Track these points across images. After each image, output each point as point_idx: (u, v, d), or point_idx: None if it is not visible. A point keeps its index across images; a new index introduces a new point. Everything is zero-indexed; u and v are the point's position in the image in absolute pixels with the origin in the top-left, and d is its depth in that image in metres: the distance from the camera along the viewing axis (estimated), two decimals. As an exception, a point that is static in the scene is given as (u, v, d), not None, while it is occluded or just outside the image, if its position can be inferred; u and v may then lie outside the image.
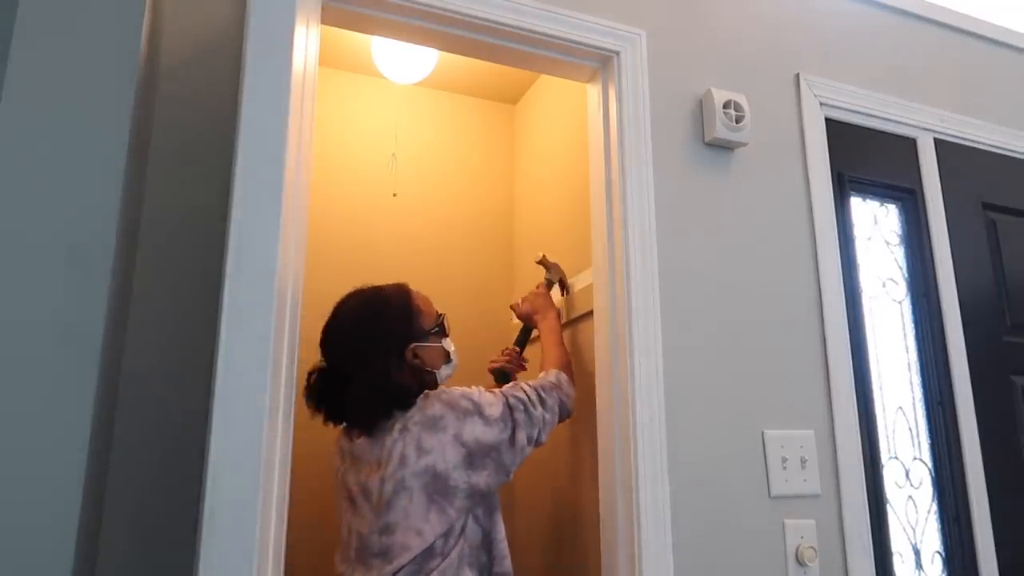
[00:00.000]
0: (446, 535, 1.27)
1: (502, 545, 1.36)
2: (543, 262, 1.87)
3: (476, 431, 1.31)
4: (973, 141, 1.92)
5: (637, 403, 1.33)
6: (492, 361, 1.76)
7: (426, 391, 1.37)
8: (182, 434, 1.06)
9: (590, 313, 1.56)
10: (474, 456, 1.30)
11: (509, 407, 1.37)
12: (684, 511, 1.33)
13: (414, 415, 1.31)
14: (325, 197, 2.15)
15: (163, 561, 1.03)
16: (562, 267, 1.84)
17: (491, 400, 1.37)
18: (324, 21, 1.31)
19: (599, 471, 1.42)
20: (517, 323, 1.84)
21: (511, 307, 1.82)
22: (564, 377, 1.51)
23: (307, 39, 1.05)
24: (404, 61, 2.11)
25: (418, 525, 1.25)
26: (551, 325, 1.67)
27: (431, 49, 1.83)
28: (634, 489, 1.30)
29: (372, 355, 1.35)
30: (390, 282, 1.47)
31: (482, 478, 1.30)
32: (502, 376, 1.72)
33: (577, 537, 1.71)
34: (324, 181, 2.16)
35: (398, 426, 1.31)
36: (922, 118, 1.84)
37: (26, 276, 0.85)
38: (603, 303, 1.46)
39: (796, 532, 1.40)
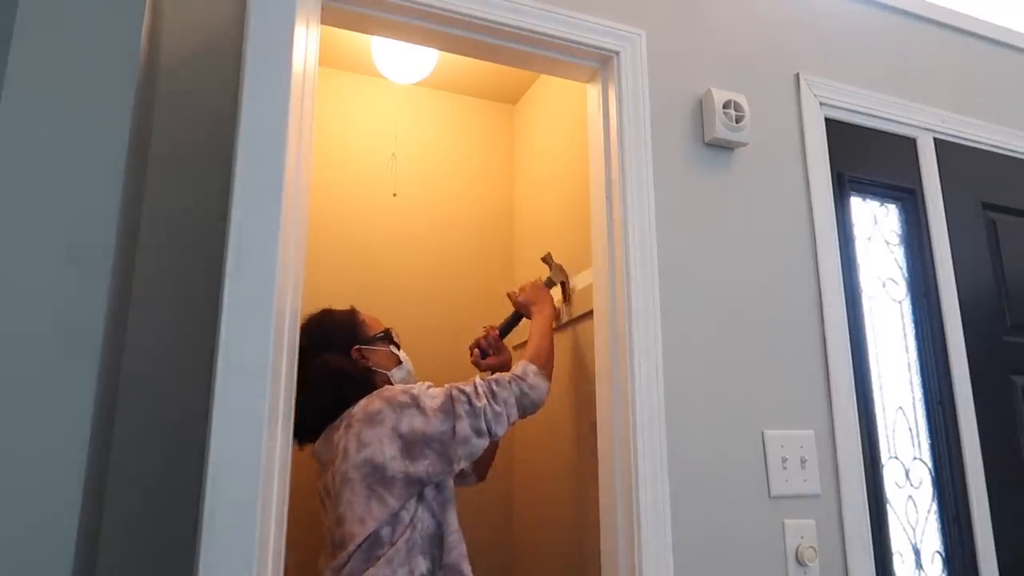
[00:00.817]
0: (392, 525, 1.32)
1: (453, 537, 1.38)
2: (547, 260, 1.87)
3: (414, 422, 1.36)
4: (973, 141, 1.92)
5: (637, 403, 1.33)
6: (474, 343, 1.79)
7: (374, 393, 1.44)
8: (182, 434, 1.06)
9: (590, 313, 1.56)
10: (412, 446, 1.34)
11: (452, 399, 1.40)
12: (684, 511, 1.33)
13: (357, 412, 1.39)
14: (325, 197, 2.15)
15: (163, 561, 1.03)
16: (566, 269, 1.85)
17: (433, 394, 1.41)
18: (324, 21, 1.31)
19: (599, 471, 1.42)
20: (509, 308, 1.83)
21: (508, 295, 1.82)
22: (532, 368, 1.50)
23: (307, 39, 1.05)
24: (404, 61, 2.11)
25: (360, 514, 1.31)
26: (544, 318, 1.68)
27: (431, 49, 1.82)
28: (634, 489, 1.30)
29: (321, 352, 1.46)
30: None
31: (421, 467, 1.34)
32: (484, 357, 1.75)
33: (577, 537, 1.71)
34: (324, 181, 2.16)
35: (344, 424, 1.39)
36: (922, 118, 1.84)
37: (26, 276, 0.85)
38: (603, 303, 1.46)
39: (796, 532, 1.40)
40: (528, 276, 2.03)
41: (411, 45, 1.90)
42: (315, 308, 1.56)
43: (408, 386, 1.43)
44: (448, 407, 1.39)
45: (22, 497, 0.80)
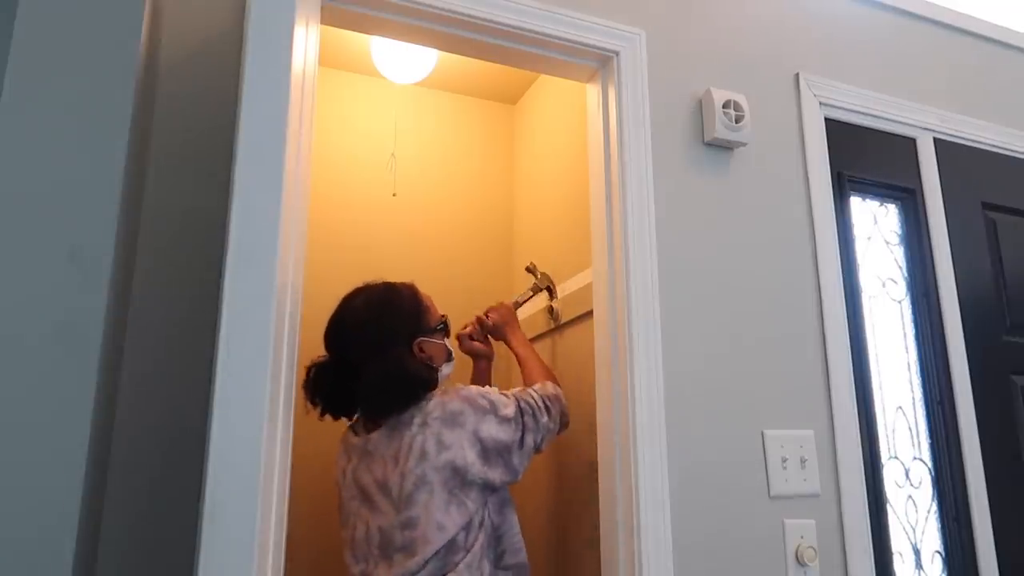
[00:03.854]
0: (467, 528, 1.31)
1: (516, 538, 1.41)
2: (532, 269, 1.93)
3: (492, 429, 1.36)
4: (973, 141, 1.92)
5: (637, 403, 1.33)
6: (463, 329, 1.77)
7: (444, 387, 1.43)
8: (182, 434, 1.06)
9: (589, 313, 1.56)
10: (488, 453, 1.35)
11: (520, 410, 1.42)
12: (684, 511, 1.33)
13: (433, 410, 1.35)
14: (325, 197, 2.15)
15: (163, 561, 1.03)
16: (551, 276, 1.91)
17: (505, 401, 1.42)
18: (324, 21, 1.31)
19: (599, 471, 1.42)
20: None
21: (477, 318, 1.76)
22: (560, 391, 1.54)
23: (307, 39, 1.05)
24: (404, 61, 2.11)
25: (439, 519, 1.28)
26: (522, 336, 1.72)
27: (431, 49, 1.82)
28: (634, 489, 1.30)
29: (386, 345, 1.39)
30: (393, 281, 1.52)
31: (496, 474, 1.35)
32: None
33: (577, 537, 1.71)
34: (324, 181, 2.16)
35: (417, 420, 1.34)
36: (922, 118, 1.84)
37: (26, 276, 0.85)
38: (603, 303, 1.46)
39: (796, 532, 1.40)
40: (526, 277, 2.03)
41: (411, 45, 1.90)
42: (315, 308, 1.54)
43: (481, 389, 1.43)
44: (518, 417, 1.41)
45: (22, 497, 0.80)
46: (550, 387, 1.53)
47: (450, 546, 1.29)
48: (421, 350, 1.45)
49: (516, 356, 1.69)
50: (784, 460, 1.43)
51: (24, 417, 0.82)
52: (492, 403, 1.39)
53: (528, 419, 1.42)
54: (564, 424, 1.52)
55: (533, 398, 1.46)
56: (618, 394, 1.38)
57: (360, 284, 1.49)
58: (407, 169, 2.30)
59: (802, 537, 1.40)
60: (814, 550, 1.39)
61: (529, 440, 1.41)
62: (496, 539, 1.37)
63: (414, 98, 2.37)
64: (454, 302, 2.23)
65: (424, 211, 2.30)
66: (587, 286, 1.64)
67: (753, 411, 1.45)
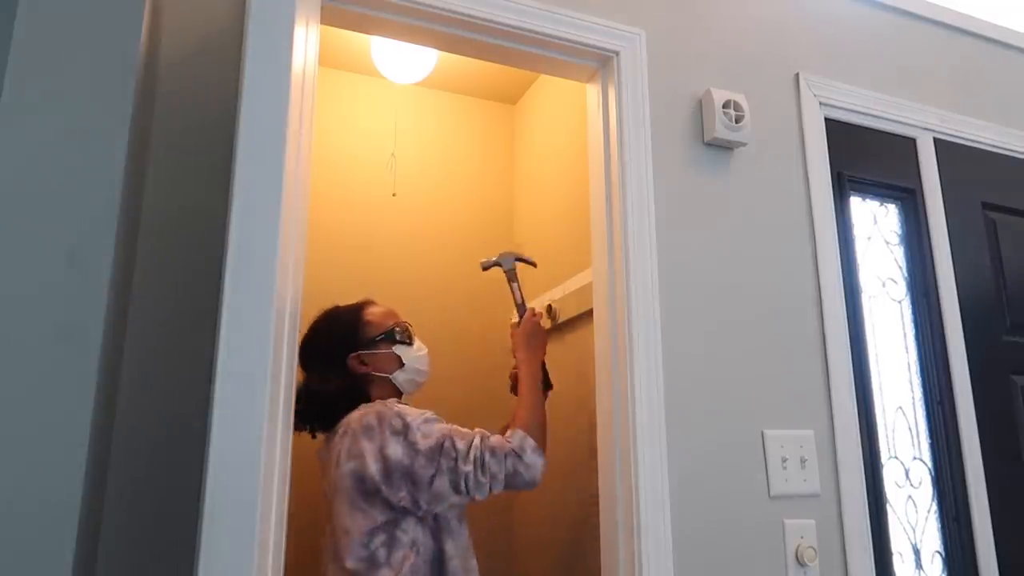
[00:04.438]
0: (389, 545, 1.29)
1: (454, 563, 1.34)
2: (488, 265, 1.74)
3: (397, 451, 1.31)
4: (973, 141, 1.92)
5: (637, 403, 1.33)
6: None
7: (379, 399, 1.44)
8: (182, 434, 1.06)
9: (589, 313, 1.56)
10: (390, 474, 1.31)
11: (440, 450, 1.32)
12: (684, 511, 1.33)
13: (354, 421, 1.38)
14: (325, 197, 2.15)
15: (163, 561, 1.03)
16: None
17: (427, 432, 1.34)
18: (324, 21, 1.31)
19: (599, 471, 1.42)
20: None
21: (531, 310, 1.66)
22: (530, 444, 1.39)
23: (307, 39, 1.05)
24: (404, 61, 2.11)
25: (346, 523, 1.31)
26: (531, 376, 1.54)
27: (431, 49, 1.82)
28: (634, 489, 1.30)
29: (316, 366, 1.48)
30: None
31: (398, 497, 1.31)
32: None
33: (577, 537, 1.71)
34: (324, 181, 2.16)
35: (341, 429, 1.39)
36: (922, 118, 1.84)
37: (26, 276, 0.85)
38: (603, 303, 1.46)
39: (796, 532, 1.40)
40: (527, 276, 2.03)
41: (411, 45, 1.90)
42: (315, 308, 1.56)
43: (407, 410, 1.38)
44: (435, 456, 1.32)
45: (22, 497, 0.80)
46: (517, 440, 1.38)
47: (370, 560, 1.28)
48: (362, 363, 1.49)
49: (519, 390, 1.55)
50: (784, 460, 1.43)
51: (24, 417, 0.82)
52: (406, 427, 1.33)
53: (445, 462, 1.31)
54: (524, 482, 1.37)
55: (467, 444, 1.34)
56: (618, 394, 1.38)
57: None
58: (407, 169, 2.30)
59: (802, 537, 1.40)
60: (814, 550, 1.39)
61: (440, 484, 1.30)
62: (438, 563, 1.33)
63: (414, 98, 2.37)
64: (454, 302, 2.24)
65: (424, 211, 2.30)
66: (587, 286, 1.64)
67: (753, 411, 1.45)
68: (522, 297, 1.70)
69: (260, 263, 0.83)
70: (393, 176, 2.27)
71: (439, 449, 1.32)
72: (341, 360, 1.48)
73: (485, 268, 1.74)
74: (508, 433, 1.41)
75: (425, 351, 1.56)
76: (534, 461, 1.38)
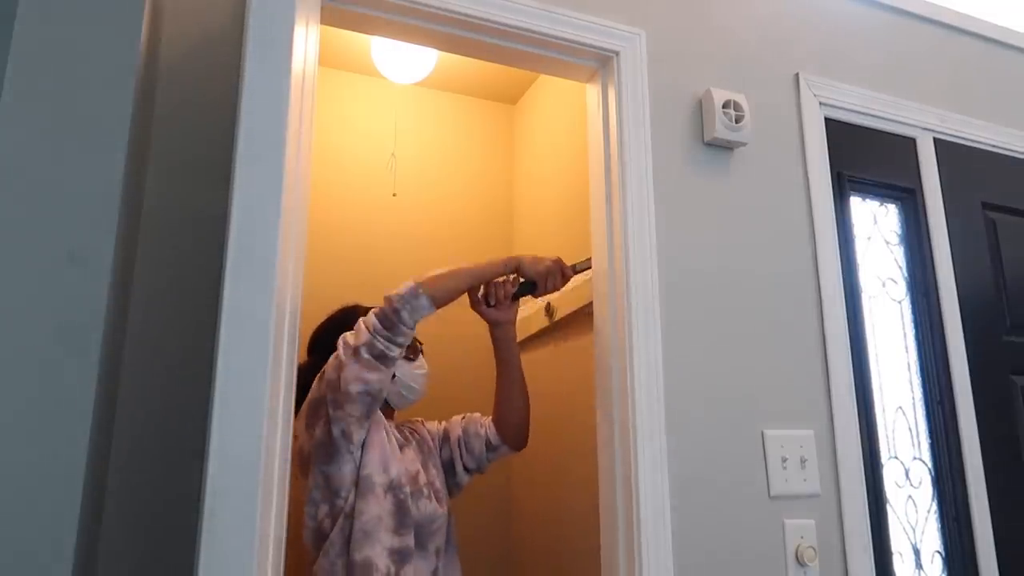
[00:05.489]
0: (330, 515, 1.33)
1: (359, 521, 1.30)
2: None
3: (311, 395, 1.39)
4: (973, 141, 1.92)
5: (637, 403, 1.33)
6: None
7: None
8: (182, 434, 1.06)
9: (584, 310, 1.56)
10: (311, 416, 1.37)
11: (336, 356, 1.35)
12: (684, 511, 1.33)
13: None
14: (325, 197, 2.15)
15: (163, 560, 1.03)
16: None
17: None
18: (324, 21, 1.31)
19: (599, 471, 1.42)
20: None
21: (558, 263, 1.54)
22: (409, 287, 1.38)
23: (307, 39, 1.06)
24: (404, 61, 2.11)
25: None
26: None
27: (431, 49, 1.83)
28: (634, 488, 1.30)
29: (315, 352, 1.50)
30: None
31: (319, 431, 1.35)
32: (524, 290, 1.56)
33: (577, 536, 1.71)
34: (324, 181, 2.16)
35: None
36: (922, 118, 1.84)
37: (26, 276, 0.85)
38: (603, 303, 1.46)
39: (796, 532, 1.40)
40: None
41: (411, 45, 1.91)
42: (315, 308, 1.55)
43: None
44: (334, 364, 1.33)
45: (22, 497, 0.80)
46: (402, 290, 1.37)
47: (317, 532, 1.34)
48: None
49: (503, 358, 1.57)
50: (784, 460, 1.43)
51: (24, 417, 0.82)
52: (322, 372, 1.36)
53: (343, 357, 1.33)
54: (410, 307, 1.34)
55: (356, 330, 1.36)
56: (618, 393, 1.38)
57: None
58: (407, 169, 2.30)
59: (802, 537, 1.40)
60: (814, 550, 1.39)
61: (347, 372, 1.30)
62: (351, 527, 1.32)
63: (414, 98, 2.37)
64: (454, 302, 2.24)
65: (424, 211, 2.30)
66: (585, 282, 1.64)
67: (753, 411, 1.45)
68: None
69: (260, 263, 0.83)
70: (393, 176, 2.27)
71: (335, 358, 1.34)
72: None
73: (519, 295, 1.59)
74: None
75: (424, 371, 1.54)
76: (404, 287, 1.38)
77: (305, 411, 1.39)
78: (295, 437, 1.33)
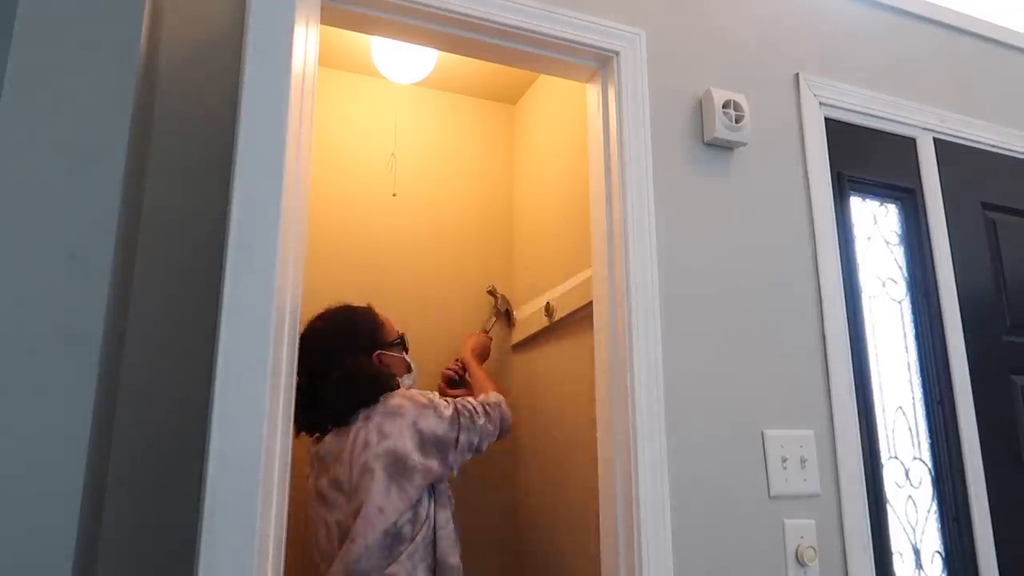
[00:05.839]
0: (413, 521, 1.41)
1: (445, 531, 1.49)
2: (492, 292, 2.17)
3: (430, 422, 1.51)
4: (973, 141, 1.92)
5: (637, 403, 1.33)
6: (447, 368, 1.99)
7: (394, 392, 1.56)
8: (182, 434, 1.06)
9: (585, 310, 1.56)
10: (425, 444, 1.48)
11: (457, 412, 1.56)
12: (684, 511, 1.33)
13: (376, 408, 1.49)
14: (325, 197, 2.15)
15: (163, 561, 1.03)
16: (510, 299, 2.17)
17: (444, 403, 1.57)
18: (324, 21, 1.31)
19: (599, 471, 1.42)
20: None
21: (457, 360, 2.02)
22: (503, 400, 1.71)
23: (307, 39, 1.06)
24: (404, 61, 2.10)
25: (380, 502, 1.39)
26: (479, 366, 1.95)
27: (431, 49, 1.83)
28: (634, 489, 1.30)
29: (347, 354, 1.57)
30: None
31: (433, 463, 1.48)
32: (452, 383, 1.96)
33: (577, 538, 1.71)
34: (324, 181, 2.16)
35: (361, 416, 1.48)
36: (922, 118, 1.84)
37: (27, 277, 0.85)
38: (603, 303, 1.46)
39: (796, 532, 1.40)
40: (527, 276, 2.03)
41: (411, 45, 1.91)
42: (315, 308, 1.56)
43: (426, 392, 1.58)
44: (455, 418, 1.55)
45: (22, 497, 0.80)
46: (492, 395, 1.69)
47: (396, 536, 1.38)
48: (380, 361, 1.64)
49: (472, 377, 1.92)
50: (784, 460, 1.43)
51: (24, 417, 0.82)
52: (432, 401, 1.55)
53: (464, 420, 1.55)
54: (507, 430, 1.68)
55: (471, 404, 1.61)
56: (618, 393, 1.38)
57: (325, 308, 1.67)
58: (407, 169, 2.30)
59: (802, 537, 1.40)
60: (814, 550, 1.39)
61: (464, 440, 1.54)
62: (434, 535, 1.46)
63: (414, 98, 2.37)
64: (454, 302, 2.24)
65: (424, 211, 2.30)
66: (585, 282, 1.65)
67: (753, 411, 1.45)
68: (490, 328, 2.13)
69: (260, 263, 0.83)
70: (393, 176, 2.27)
71: (456, 412, 1.56)
72: (368, 354, 1.61)
73: (490, 292, 2.19)
74: (480, 396, 1.69)
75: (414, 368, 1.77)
76: (508, 415, 1.70)
77: (421, 440, 1.50)
78: (390, 435, 1.46)
